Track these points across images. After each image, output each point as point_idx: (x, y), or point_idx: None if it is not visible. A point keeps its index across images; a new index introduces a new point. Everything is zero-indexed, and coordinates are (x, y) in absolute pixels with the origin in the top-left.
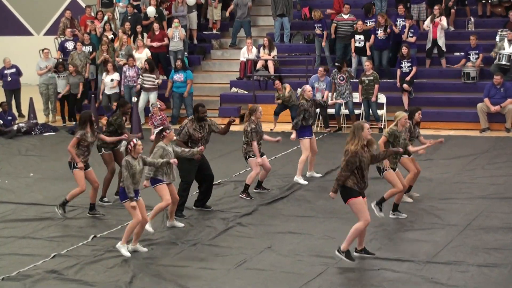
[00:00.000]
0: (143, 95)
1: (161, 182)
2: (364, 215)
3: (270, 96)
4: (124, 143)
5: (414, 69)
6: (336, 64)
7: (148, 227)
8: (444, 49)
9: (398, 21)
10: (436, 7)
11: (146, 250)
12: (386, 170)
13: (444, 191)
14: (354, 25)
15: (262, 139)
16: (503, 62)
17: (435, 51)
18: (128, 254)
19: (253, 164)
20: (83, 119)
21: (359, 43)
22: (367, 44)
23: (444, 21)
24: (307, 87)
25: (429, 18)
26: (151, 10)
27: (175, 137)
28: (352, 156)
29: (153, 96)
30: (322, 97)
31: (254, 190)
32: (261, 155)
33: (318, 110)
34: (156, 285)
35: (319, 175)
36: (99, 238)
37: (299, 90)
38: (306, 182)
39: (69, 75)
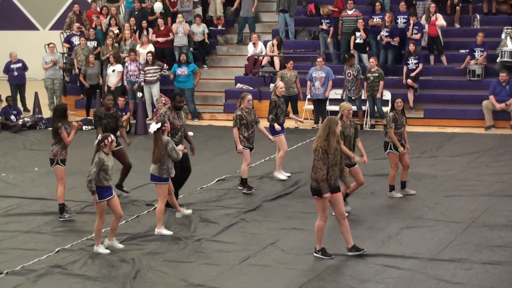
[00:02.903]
0: (146, 89)
1: (165, 181)
2: (323, 213)
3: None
4: (99, 137)
5: (421, 66)
6: (346, 55)
7: (165, 231)
8: (442, 44)
9: (399, 18)
10: (432, 5)
11: (122, 246)
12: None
13: (448, 188)
14: (359, 20)
15: (253, 131)
16: (505, 59)
17: (434, 47)
18: (107, 251)
19: (244, 156)
20: (62, 111)
21: (360, 39)
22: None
23: (440, 19)
24: (280, 84)
25: (424, 16)
26: (157, 6)
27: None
28: (319, 151)
29: (155, 90)
30: (322, 85)
31: (239, 187)
32: (251, 149)
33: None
34: (160, 280)
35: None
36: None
37: (271, 85)
38: (285, 177)
39: (87, 66)
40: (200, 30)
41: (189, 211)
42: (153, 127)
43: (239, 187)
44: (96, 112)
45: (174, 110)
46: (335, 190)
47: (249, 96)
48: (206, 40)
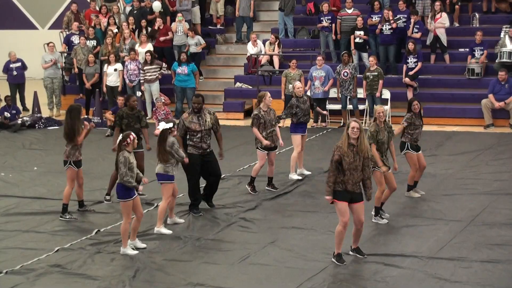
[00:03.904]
0: (146, 88)
1: (170, 180)
2: (341, 217)
3: (274, 91)
4: (120, 137)
5: (419, 64)
6: (344, 52)
7: (165, 230)
8: (445, 44)
9: (398, 16)
10: (437, 3)
11: (145, 246)
12: (374, 168)
13: (448, 187)
14: (358, 18)
15: (272, 130)
16: (504, 60)
17: (437, 45)
18: (136, 252)
19: (258, 156)
20: (77, 111)
21: (360, 38)
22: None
23: (444, 18)
24: (297, 84)
25: (430, 14)
26: (156, 5)
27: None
28: (333, 152)
29: (155, 88)
30: (322, 84)
31: (266, 188)
32: (272, 149)
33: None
34: (160, 279)
35: (309, 172)
36: (102, 232)
37: (290, 86)
38: (300, 177)
39: (86, 65)
40: (193, 42)
41: (181, 221)
42: (162, 125)
43: (266, 188)
44: (118, 112)
45: (193, 113)
46: (354, 200)
47: (269, 94)
48: (199, 49)
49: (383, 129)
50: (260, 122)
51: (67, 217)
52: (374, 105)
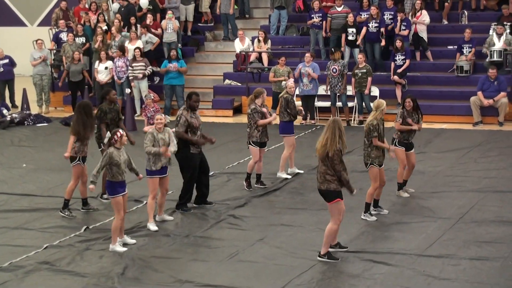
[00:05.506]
0: (135, 85)
1: (152, 175)
2: (339, 216)
3: (264, 88)
4: (108, 134)
5: (407, 62)
6: (332, 49)
7: (153, 226)
8: (426, 41)
9: (386, 14)
10: (418, 1)
11: (134, 241)
12: (372, 165)
13: (436, 184)
14: (350, 15)
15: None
16: (495, 59)
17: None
18: (124, 249)
19: (252, 152)
20: (89, 107)
21: (352, 36)
22: (359, 37)
23: (425, 15)
24: (289, 84)
25: (410, 13)
26: (144, 2)
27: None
28: (334, 155)
29: (144, 85)
30: (310, 81)
31: (255, 185)
32: (263, 144)
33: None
34: (148, 276)
35: (301, 171)
36: (91, 229)
37: (283, 83)
38: (289, 176)
39: (71, 63)
40: (144, 39)
41: (170, 218)
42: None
43: (255, 185)
44: (101, 107)
45: (190, 110)
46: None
47: (265, 91)
48: (153, 48)
49: (382, 123)
50: (259, 116)
51: (66, 213)
52: (363, 102)
